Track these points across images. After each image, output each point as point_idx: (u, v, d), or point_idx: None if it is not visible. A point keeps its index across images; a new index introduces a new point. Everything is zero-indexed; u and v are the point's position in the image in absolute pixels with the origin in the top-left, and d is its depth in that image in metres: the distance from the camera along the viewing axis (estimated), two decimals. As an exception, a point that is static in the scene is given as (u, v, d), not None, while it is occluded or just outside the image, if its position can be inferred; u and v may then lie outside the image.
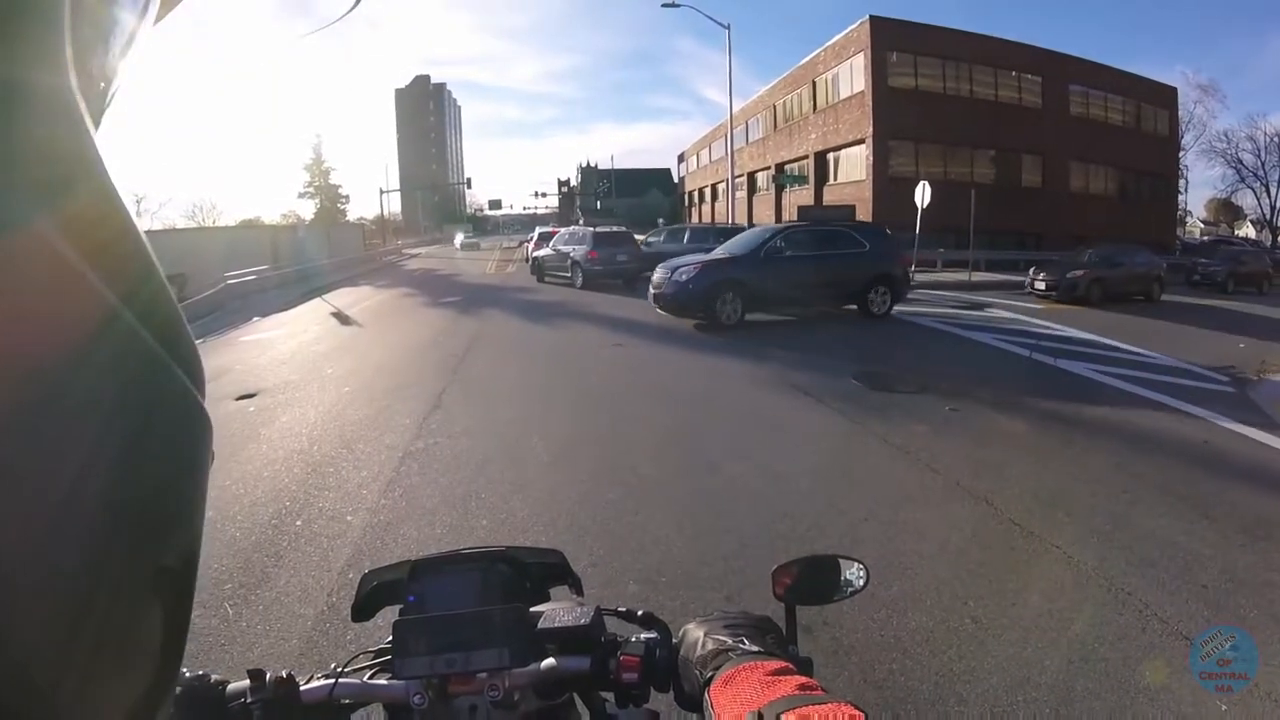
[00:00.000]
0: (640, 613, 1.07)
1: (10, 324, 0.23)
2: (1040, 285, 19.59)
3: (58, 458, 0.24)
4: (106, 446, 0.27)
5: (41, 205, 0.25)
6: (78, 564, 0.26)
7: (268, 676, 0.98)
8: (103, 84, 0.31)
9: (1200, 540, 4.25)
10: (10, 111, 0.24)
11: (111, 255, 0.29)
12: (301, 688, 1.01)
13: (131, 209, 0.31)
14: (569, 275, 21.34)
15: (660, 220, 64.26)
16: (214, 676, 0.98)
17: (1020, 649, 3.18)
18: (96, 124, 0.29)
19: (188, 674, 0.95)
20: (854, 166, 31.48)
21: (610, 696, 1.04)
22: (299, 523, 4.78)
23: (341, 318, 17.11)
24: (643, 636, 1.02)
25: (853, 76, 30.99)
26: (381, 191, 66.19)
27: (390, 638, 1.10)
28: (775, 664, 0.77)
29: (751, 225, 39.89)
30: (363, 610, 1.21)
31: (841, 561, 1.13)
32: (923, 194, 21.82)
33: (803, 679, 0.73)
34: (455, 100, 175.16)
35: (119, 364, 0.28)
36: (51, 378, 0.24)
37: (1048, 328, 13.21)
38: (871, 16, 29.81)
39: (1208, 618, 3.38)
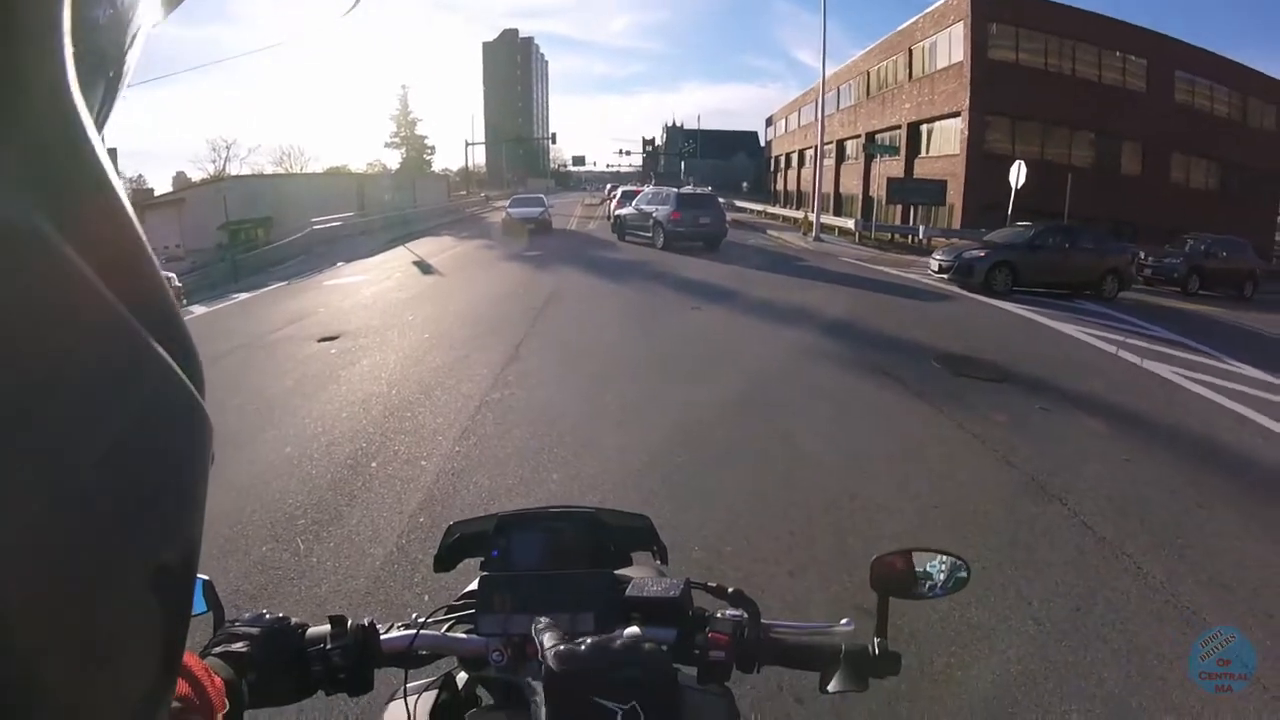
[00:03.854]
0: (731, 590, 1.05)
1: (8, 323, 0.23)
2: (934, 266, 16.20)
3: (56, 457, 0.25)
4: (105, 446, 0.27)
5: (40, 204, 0.25)
6: (77, 563, 0.26)
7: (349, 623, 0.98)
8: (104, 82, 0.31)
9: (1273, 568, 3.97)
10: (8, 110, 0.24)
11: (111, 254, 0.28)
12: (382, 636, 1.01)
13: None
14: (650, 235, 21.30)
15: (744, 185, 62.98)
16: (294, 620, 0.98)
17: (1080, 657, 3.07)
18: (99, 123, 0.29)
19: (268, 615, 0.96)
20: (947, 140, 30.24)
21: (689, 670, 1.01)
22: (374, 464, 4.90)
23: (423, 266, 17.50)
24: (729, 613, 1.00)
25: (951, 46, 29.56)
26: (467, 144, 67.25)
27: (466, 589, 1.10)
28: None
29: (839, 195, 39.19)
30: (445, 560, 1.22)
31: (944, 558, 1.08)
32: (1018, 174, 20.83)
33: None
34: (543, 55, 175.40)
35: (118, 363, 0.28)
36: (50, 377, 0.24)
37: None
38: (972, -15, 28.41)
39: (1270, 648, 3.17)
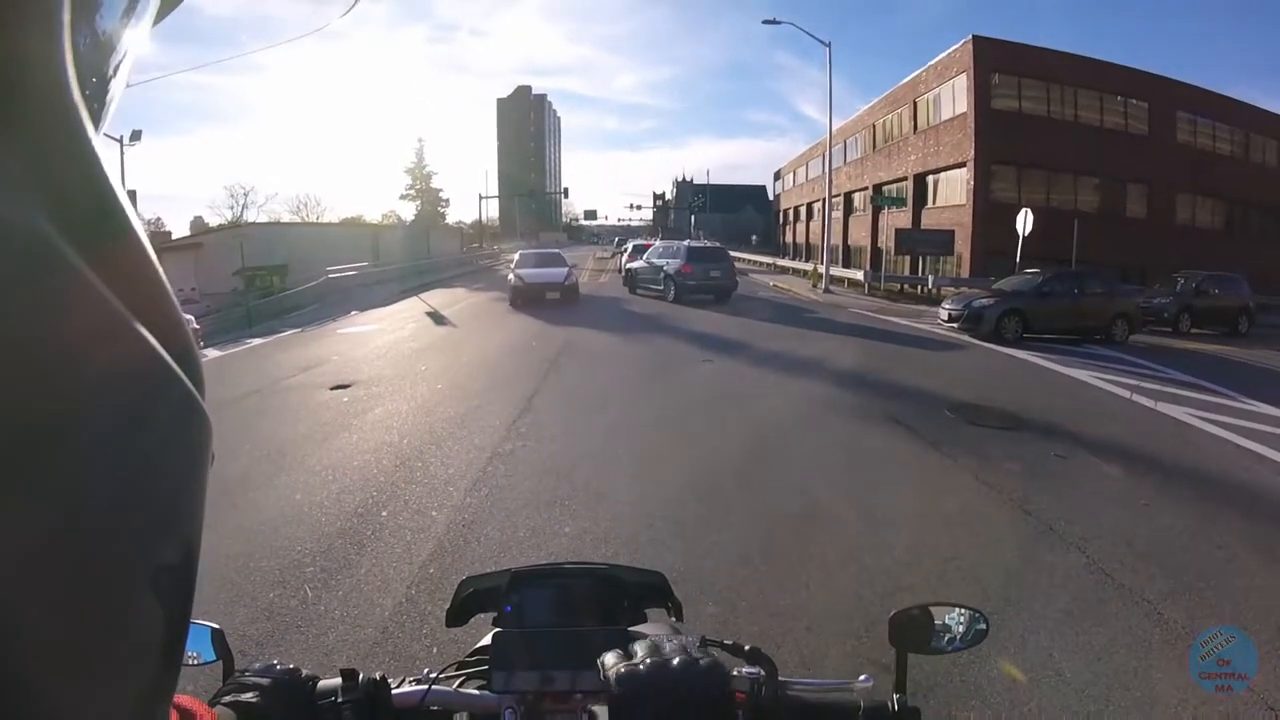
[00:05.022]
0: (747, 647, 1.03)
1: (9, 325, 0.23)
2: (944, 316, 16.14)
3: (57, 458, 0.25)
4: (106, 446, 0.27)
5: (41, 206, 0.25)
6: (77, 564, 0.26)
7: (360, 677, 0.97)
8: (103, 85, 0.31)
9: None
10: (9, 113, 0.24)
11: (112, 256, 0.29)
12: (393, 691, 1.00)
13: (138, 221, 0.31)
14: (661, 288, 21.41)
15: (753, 238, 63.58)
16: (304, 671, 0.96)
17: (1102, 707, 3.00)
18: (97, 125, 0.29)
19: (278, 665, 0.95)
20: (954, 190, 30.53)
21: None
22: (384, 514, 4.88)
23: (436, 317, 17.62)
24: (746, 671, 0.98)
25: (955, 97, 30.06)
26: (480, 197, 68.09)
27: (479, 644, 1.09)
28: None
29: (848, 246, 39.49)
30: (457, 615, 1.21)
31: (962, 610, 1.09)
32: (1025, 221, 20.95)
33: None
34: (555, 111, 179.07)
35: (119, 364, 0.28)
36: (51, 378, 0.25)
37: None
38: (975, 36, 28.89)
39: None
